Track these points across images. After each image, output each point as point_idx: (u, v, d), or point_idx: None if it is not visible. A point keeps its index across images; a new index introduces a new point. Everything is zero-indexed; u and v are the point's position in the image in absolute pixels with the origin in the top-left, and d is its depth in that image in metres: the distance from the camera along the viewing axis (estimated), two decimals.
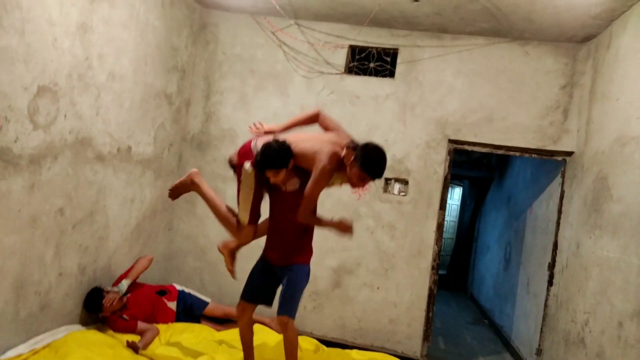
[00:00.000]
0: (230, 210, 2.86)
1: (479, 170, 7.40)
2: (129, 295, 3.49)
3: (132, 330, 3.30)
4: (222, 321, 3.95)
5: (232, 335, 3.48)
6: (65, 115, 2.93)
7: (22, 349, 2.69)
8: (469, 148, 4.16)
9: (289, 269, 2.72)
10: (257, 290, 2.83)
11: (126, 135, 3.63)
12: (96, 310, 3.30)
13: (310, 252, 2.84)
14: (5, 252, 2.60)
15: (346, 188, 4.17)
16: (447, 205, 10.11)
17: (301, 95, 4.36)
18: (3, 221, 2.56)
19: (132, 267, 3.62)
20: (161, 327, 3.50)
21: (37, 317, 2.90)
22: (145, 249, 4.11)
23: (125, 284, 3.44)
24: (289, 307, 2.63)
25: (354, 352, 3.60)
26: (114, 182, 3.55)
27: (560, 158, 4.02)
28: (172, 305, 3.75)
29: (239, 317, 2.85)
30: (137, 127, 3.75)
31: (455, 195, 10.59)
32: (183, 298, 3.86)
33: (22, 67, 2.53)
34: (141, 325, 3.36)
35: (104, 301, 3.28)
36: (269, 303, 2.88)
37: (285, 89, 4.38)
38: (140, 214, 3.97)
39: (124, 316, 3.36)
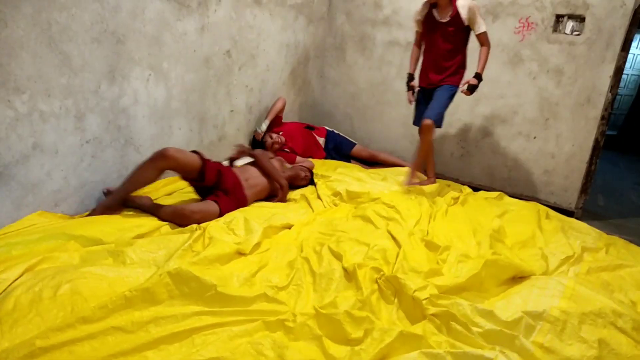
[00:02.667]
0: None
1: None
2: (282, 133, 3.83)
3: (292, 162, 3.71)
4: (369, 163, 4.19)
5: (384, 172, 3.74)
6: None
7: None
8: None
9: (439, 88, 3.33)
10: (422, 113, 3.39)
11: None
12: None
13: (459, 75, 3.34)
14: (188, 88, 3.02)
15: (508, 27, 3.80)
16: (633, 55, 8.55)
17: None
18: (184, 60, 2.93)
19: (270, 109, 3.83)
20: (316, 162, 3.86)
21: (217, 146, 3.42)
22: (301, 94, 4.38)
23: (264, 124, 3.73)
24: (434, 113, 3.25)
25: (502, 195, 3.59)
26: (271, 26, 3.71)
27: None
28: (321, 141, 4.06)
29: (423, 136, 3.36)
30: None
31: None
32: (332, 137, 4.13)
33: None
34: (299, 158, 3.74)
35: (268, 147, 3.65)
36: None
37: None
38: (295, 59, 4.16)
39: (286, 149, 3.76)
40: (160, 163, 2.38)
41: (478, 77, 3.23)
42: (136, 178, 2.40)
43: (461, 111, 4.13)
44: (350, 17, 4.48)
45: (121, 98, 2.56)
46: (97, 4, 2.29)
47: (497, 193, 3.62)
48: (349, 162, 4.12)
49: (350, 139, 4.28)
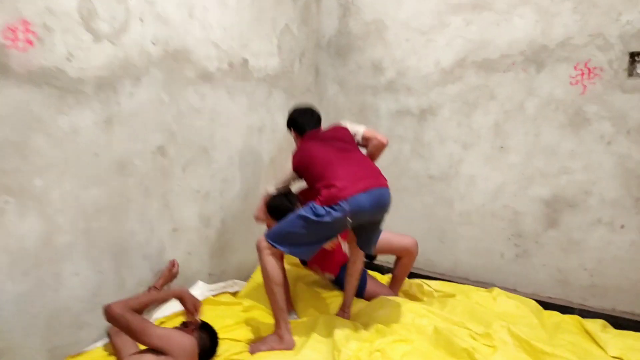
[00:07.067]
0: None
1: None
2: None
3: None
4: None
5: None
6: (141, 20, 2.13)
7: None
8: None
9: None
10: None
11: (238, 45, 2.75)
12: None
13: (318, 198, 2.13)
14: (87, 211, 1.98)
15: (561, 77, 2.74)
16: None
17: None
18: (74, 170, 1.92)
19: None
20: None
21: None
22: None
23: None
24: (269, 231, 2.15)
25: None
26: (231, 107, 2.74)
27: None
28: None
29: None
30: (252, 33, 2.84)
31: None
32: None
33: None
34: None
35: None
36: None
37: None
38: (274, 145, 3.15)
39: None
40: None
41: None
42: None
43: (508, 195, 2.96)
44: (345, 86, 3.51)
45: None
46: None
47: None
48: None
49: None
